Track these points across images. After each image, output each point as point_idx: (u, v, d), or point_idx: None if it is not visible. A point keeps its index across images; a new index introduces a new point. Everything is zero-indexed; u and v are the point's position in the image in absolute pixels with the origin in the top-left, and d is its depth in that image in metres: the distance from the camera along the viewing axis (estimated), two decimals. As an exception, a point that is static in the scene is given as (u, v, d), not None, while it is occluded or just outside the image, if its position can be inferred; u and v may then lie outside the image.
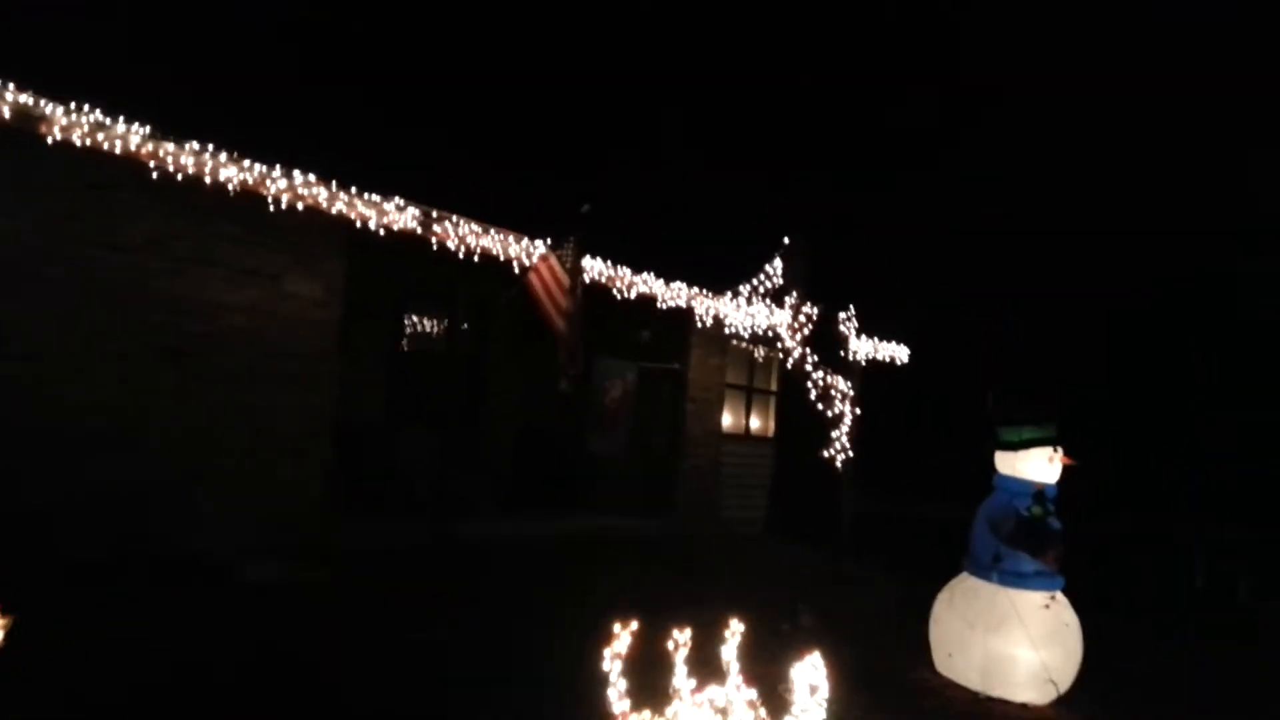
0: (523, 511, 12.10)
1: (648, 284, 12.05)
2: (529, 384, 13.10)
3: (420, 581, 8.37)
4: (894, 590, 10.58)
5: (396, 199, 9.21)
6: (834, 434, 12.60)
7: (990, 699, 7.31)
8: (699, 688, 4.55)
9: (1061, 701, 7.23)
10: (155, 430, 8.06)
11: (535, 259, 10.51)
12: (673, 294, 12.40)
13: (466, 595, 7.97)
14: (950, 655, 7.67)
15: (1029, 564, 7.53)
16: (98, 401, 7.72)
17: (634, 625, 4.20)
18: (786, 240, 13.59)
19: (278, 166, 8.31)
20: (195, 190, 7.96)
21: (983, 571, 7.66)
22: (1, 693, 4.62)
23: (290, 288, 9.09)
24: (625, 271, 11.79)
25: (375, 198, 9.03)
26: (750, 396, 15.11)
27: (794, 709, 4.76)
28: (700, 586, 9.37)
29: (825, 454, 12.61)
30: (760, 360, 14.80)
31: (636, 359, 13.73)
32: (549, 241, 10.49)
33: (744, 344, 14.45)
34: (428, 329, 12.97)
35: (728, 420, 14.63)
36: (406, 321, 12.73)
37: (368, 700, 5.17)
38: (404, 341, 12.71)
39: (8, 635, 4.92)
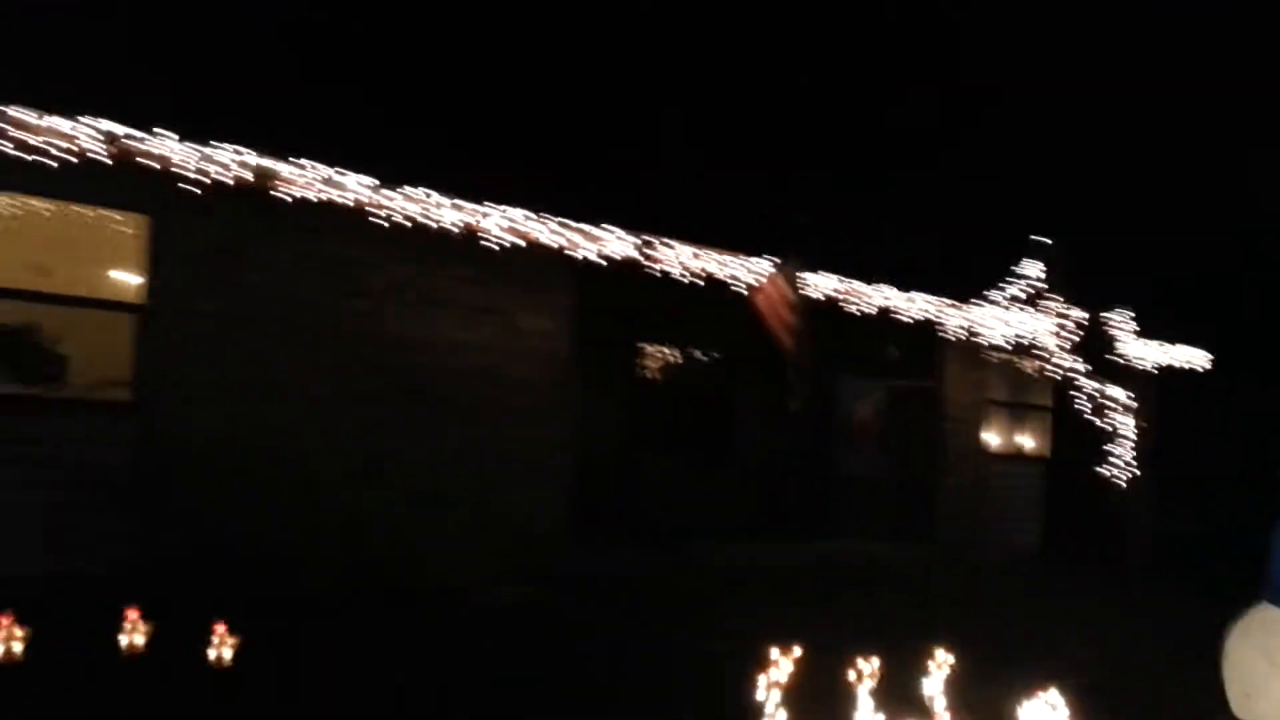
0: (768, 538, 11.71)
1: (884, 296, 11.42)
2: (776, 408, 12.75)
3: (650, 609, 8.22)
4: (1194, 621, 9.23)
5: (615, 229, 9.25)
6: (1112, 448, 11.33)
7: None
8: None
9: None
10: (397, 465, 8.45)
11: (763, 278, 10.24)
12: (914, 306, 11.67)
13: (698, 624, 7.71)
14: (1248, 695, 6.50)
15: (1344, 588, 6.27)
16: (344, 439, 8.20)
17: (796, 652, 3.81)
18: (1045, 240, 12.47)
19: (494, 207, 8.57)
20: (425, 235, 8.34)
21: (1282, 598, 6.46)
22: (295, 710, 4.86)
23: (522, 323, 9.32)
24: (859, 285, 11.23)
25: (589, 227, 9.11)
26: (1021, 413, 13.93)
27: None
28: (944, 617, 8.59)
29: (1104, 470, 11.35)
30: (1035, 375, 13.60)
31: (886, 377, 13.03)
32: (776, 260, 10.20)
33: (1008, 356, 13.35)
34: (668, 356, 12.96)
35: (995, 439, 13.55)
36: (648, 349, 12.77)
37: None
38: (644, 369, 12.74)
39: (239, 656, 5.22)
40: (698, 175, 10.49)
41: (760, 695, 3.77)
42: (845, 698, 4.09)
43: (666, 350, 12.86)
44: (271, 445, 7.84)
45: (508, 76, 9.29)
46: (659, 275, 9.65)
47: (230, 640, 5.36)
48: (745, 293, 10.25)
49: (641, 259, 9.48)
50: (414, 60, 8.72)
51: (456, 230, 8.42)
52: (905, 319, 11.65)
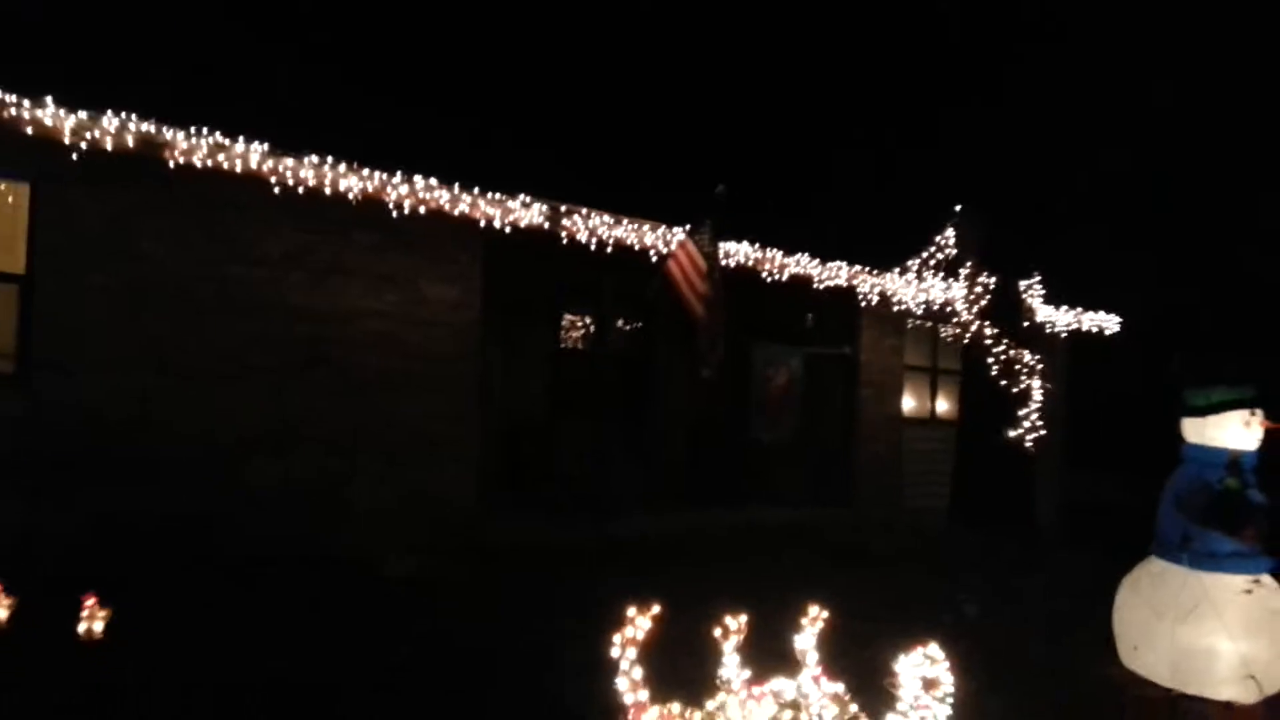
0: (687, 505, 11.81)
1: (802, 265, 11.50)
2: (695, 376, 12.81)
3: (563, 576, 8.24)
4: (1092, 581, 9.49)
5: (522, 196, 9.19)
6: (1021, 412, 11.56)
7: (1184, 697, 6.32)
8: (760, 679, 4.12)
9: (1271, 701, 6.15)
10: (304, 435, 8.38)
11: (673, 246, 10.24)
12: (830, 274, 11.78)
13: (610, 590, 7.74)
14: (1136, 648, 6.70)
15: (1225, 543, 6.47)
16: (249, 410, 8.10)
17: (655, 611, 3.85)
18: (958, 208, 12.64)
19: (398, 173, 8.46)
20: (325, 203, 8.21)
21: (1170, 553, 6.66)
22: (155, 678, 4.79)
23: (428, 292, 9.24)
24: (775, 253, 11.30)
25: (499, 196, 9.04)
26: (936, 378, 14.16)
27: (901, 705, 4.22)
28: (856, 576, 8.74)
29: (1011, 434, 11.58)
30: (948, 340, 13.83)
31: (802, 344, 13.15)
32: (687, 227, 10.20)
33: (923, 323, 13.55)
34: (586, 325, 12.94)
35: (910, 404, 13.77)
36: (565, 319, 12.73)
37: (453, 689, 5.02)
38: (561, 339, 12.71)
39: (115, 628, 5.14)
40: (611, 142, 10.42)
41: (615, 652, 3.79)
42: (713, 651, 4.14)
43: (587, 319, 12.84)
44: (166, 418, 7.71)
45: (410, 31, 9.11)
46: (572, 243, 9.63)
47: (101, 613, 5.28)
48: (660, 261, 10.26)
49: (550, 226, 9.43)
50: (312, 16, 8.51)
51: (356, 197, 8.29)
52: (822, 286, 11.75)
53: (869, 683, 4.37)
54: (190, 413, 7.82)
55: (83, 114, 7.03)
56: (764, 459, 12.84)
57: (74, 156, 7.06)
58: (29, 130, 6.90)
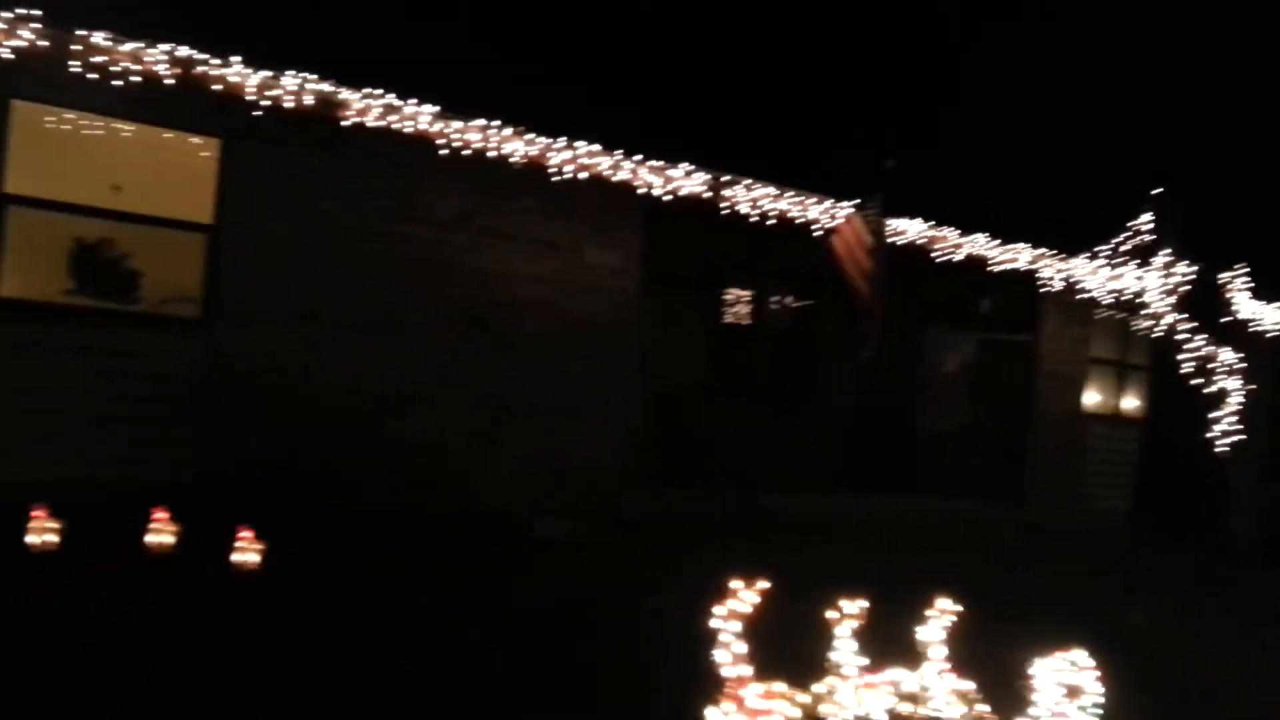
0: (844, 489, 11.49)
1: (978, 245, 10.93)
2: (855, 357, 12.43)
3: (707, 548, 8.16)
4: (1284, 602, 8.64)
5: (684, 164, 9.10)
6: (1216, 414, 10.63)
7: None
8: (877, 667, 3.92)
9: None
10: (458, 393, 8.60)
11: (839, 220, 9.94)
12: (1010, 256, 11.14)
13: (750, 565, 7.62)
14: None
15: None
16: (407, 365, 8.38)
17: (761, 585, 3.71)
18: (1158, 191, 11.68)
19: (561, 139, 8.52)
20: (489, 166, 8.38)
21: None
22: (299, 611, 5.04)
23: (589, 258, 9.30)
24: (950, 232, 10.78)
25: (660, 164, 8.98)
26: (1124, 373, 13.22)
27: (1036, 710, 3.94)
28: (1017, 576, 8.26)
29: (1204, 436, 10.67)
30: (1140, 333, 12.86)
31: (976, 329, 12.52)
32: (855, 202, 9.88)
33: (1113, 313, 12.64)
34: (746, 299, 12.73)
35: (1093, 399, 12.91)
36: (726, 292, 12.56)
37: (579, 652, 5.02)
38: (721, 312, 12.54)
39: (267, 563, 5.42)
40: (778, 112, 10.17)
41: (724, 624, 3.68)
42: (825, 637, 3.97)
43: (747, 292, 12.64)
44: (330, 367, 8.07)
45: (581, 7, 9.14)
46: (735, 215, 9.48)
47: (255, 546, 5.58)
48: (825, 236, 9.98)
49: (711, 196, 9.31)
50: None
51: (519, 162, 8.42)
52: (1000, 269, 11.14)
53: (1006, 684, 4.09)
54: (352, 363, 8.16)
55: (266, 73, 7.40)
56: (929, 447, 12.34)
57: (257, 113, 7.45)
58: (218, 87, 7.31)
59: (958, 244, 10.81)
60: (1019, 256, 11.22)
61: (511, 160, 8.43)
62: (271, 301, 7.87)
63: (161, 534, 5.65)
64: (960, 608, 4.28)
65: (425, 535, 7.24)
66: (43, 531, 5.35)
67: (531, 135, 8.42)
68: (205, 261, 7.73)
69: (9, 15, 6.55)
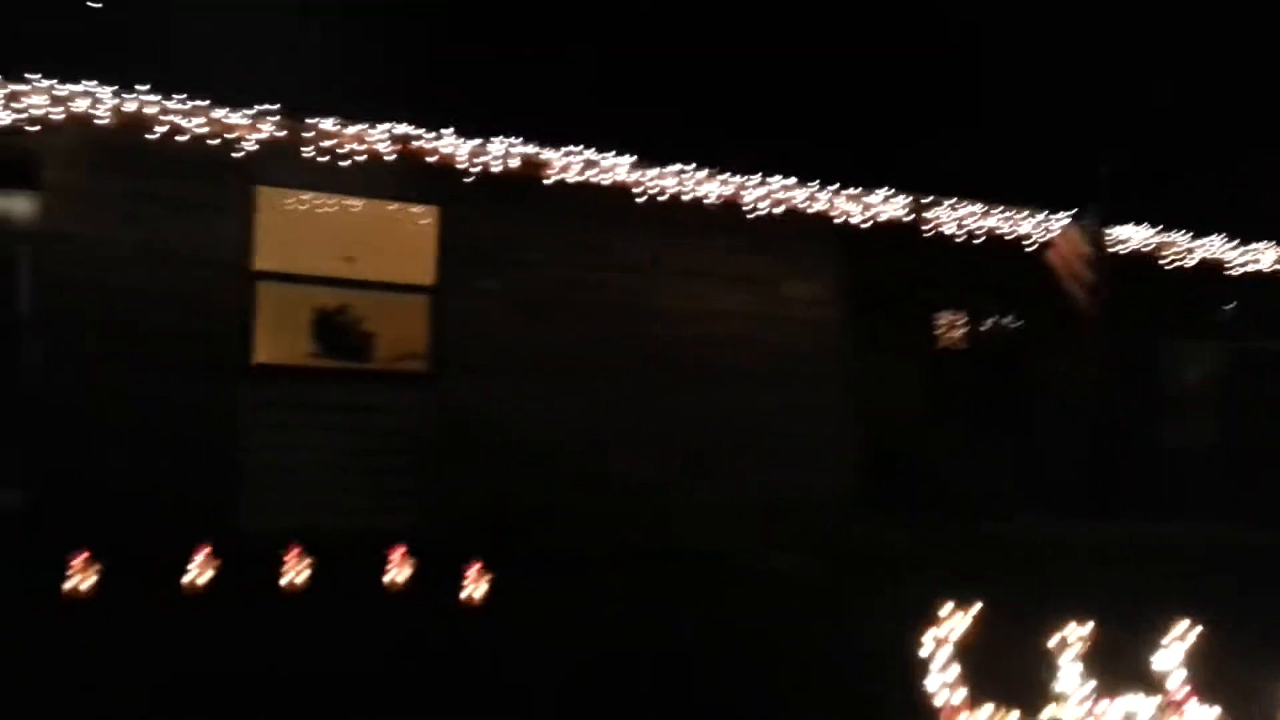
0: (1078, 514, 10.78)
1: (1214, 249, 10.12)
2: (1083, 375, 11.72)
3: (926, 580, 7.89)
4: None
5: (883, 190, 8.98)
6: None
7: None
8: (1109, 695, 3.67)
9: None
10: (660, 432, 8.78)
11: (1055, 233, 9.50)
12: (1252, 258, 10.25)
13: (980, 593, 7.31)
14: None
15: None
16: (611, 406, 8.66)
17: (986, 612, 3.56)
18: None
19: (755, 175, 8.62)
20: (686, 208, 8.61)
21: None
22: (524, 643, 5.31)
23: (786, 290, 9.33)
24: (1181, 236, 10.05)
25: (857, 191, 8.90)
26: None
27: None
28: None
29: None
30: None
31: (1221, 338, 11.54)
32: (1071, 213, 9.42)
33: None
34: (958, 321, 12.26)
35: (1368, 409, 11.56)
36: (935, 315, 12.15)
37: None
38: (931, 335, 12.14)
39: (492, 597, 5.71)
40: (980, 128, 9.86)
41: (939, 650, 3.58)
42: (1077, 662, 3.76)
43: (962, 315, 12.19)
44: (540, 413, 8.45)
45: (761, 44, 9.24)
46: (940, 236, 9.25)
47: (481, 582, 5.89)
48: (1040, 251, 9.56)
49: (913, 218, 9.12)
50: (662, 37, 8.92)
51: (713, 202, 8.58)
52: (1244, 271, 10.28)
53: (1258, 711, 3.76)
54: (560, 408, 8.51)
55: (475, 141, 7.93)
56: (1173, 467, 11.41)
57: (468, 179, 7.98)
58: (433, 159, 7.89)
59: (1189, 248, 10.07)
60: (1261, 257, 10.31)
61: (705, 201, 8.61)
62: (486, 353, 8.34)
63: (398, 572, 6.07)
64: (1202, 630, 3.97)
65: (635, 572, 7.37)
66: (297, 571, 5.88)
67: (725, 175, 8.57)
68: (429, 319, 8.31)
69: (251, 112, 7.35)
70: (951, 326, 12.17)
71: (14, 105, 6.91)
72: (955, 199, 9.28)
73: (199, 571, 5.71)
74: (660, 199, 8.50)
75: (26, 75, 6.85)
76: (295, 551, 5.92)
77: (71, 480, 7.14)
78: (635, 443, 8.66)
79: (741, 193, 8.68)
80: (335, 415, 7.89)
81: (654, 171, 8.42)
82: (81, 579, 5.46)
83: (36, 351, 7.40)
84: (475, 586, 5.92)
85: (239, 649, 4.93)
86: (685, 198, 8.56)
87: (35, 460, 7.35)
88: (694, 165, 8.49)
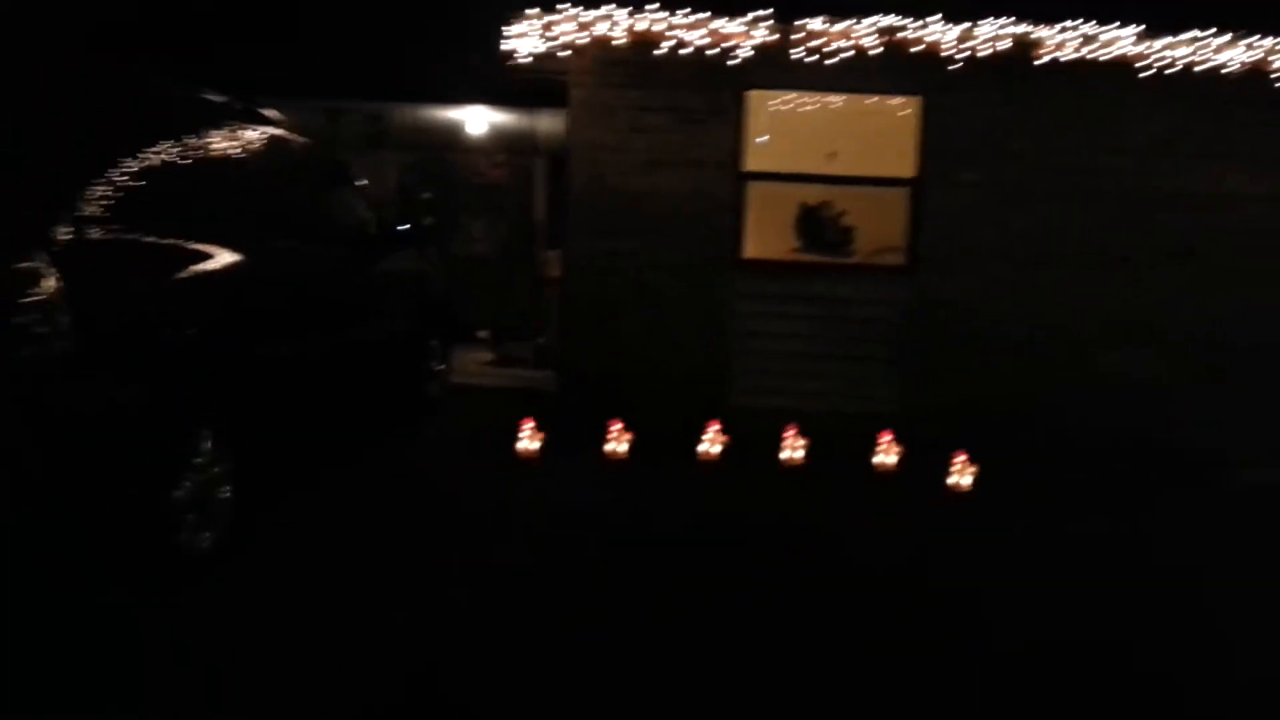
0: None
1: None
2: None
3: None
4: None
5: None
6: None
7: None
8: None
9: None
10: (1165, 329, 8.14)
11: None
12: None
13: None
14: None
15: None
16: (1104, 302, 8.17)
17: None
18: None
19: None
20: (1197, 82, 7.75)
21: None
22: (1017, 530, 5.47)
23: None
24: None
25: None
26: None
27: None
28: None
29: None
30: None
31: None
32: None
33: None
34: None
35: None
36: None
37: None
38: None
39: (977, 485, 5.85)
40: None
41: None
42: None
43: None
44: (1024, 307, 8.21)
45: None
46: None
47: (970, 469, 6.02)
48: None
49: None
50: None
51: (1235, 71, 7.62)
52: None
53: None
54: (1046, 303, 8.19)
55: (963, 25, 7.71)
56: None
57: (954, 67, 7.83)
58: (918, 48, 7.83)
59: None
60: None
61: (1224, 70, 7.66)
62: (968, 246, 8.23)
63: (887, 455, 6.38)
64: None
65: (1125, 475, 7.02)
66: (794, 448, 6.41)
67: (1252, 39, 7.54)
68: (908, 213, 8.35)
69: (746, 19, 7.77)
70: None
71: (548, 34, 7.93)
72: None
73: (711, 442, 6.44)
74: (1169, 71, 7.71)
75: (558, 6, 7.81)
76: (792, 430, 6.43)
77: (592, 364, 8.27)
78: (1136, 340, 8.13)
79: (1271, 58, 7.59)
80: (817, 306, 8.29)
81: (1163, 41, 7.64)
82: (617, 443, 6.40)
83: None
84: (961, 475, 6.06)
85: (744, 508, 5.56)
86: (1199, 69, 7.68)
87: (565, 348, 8.61)
88: (1213, 30, 7.57)
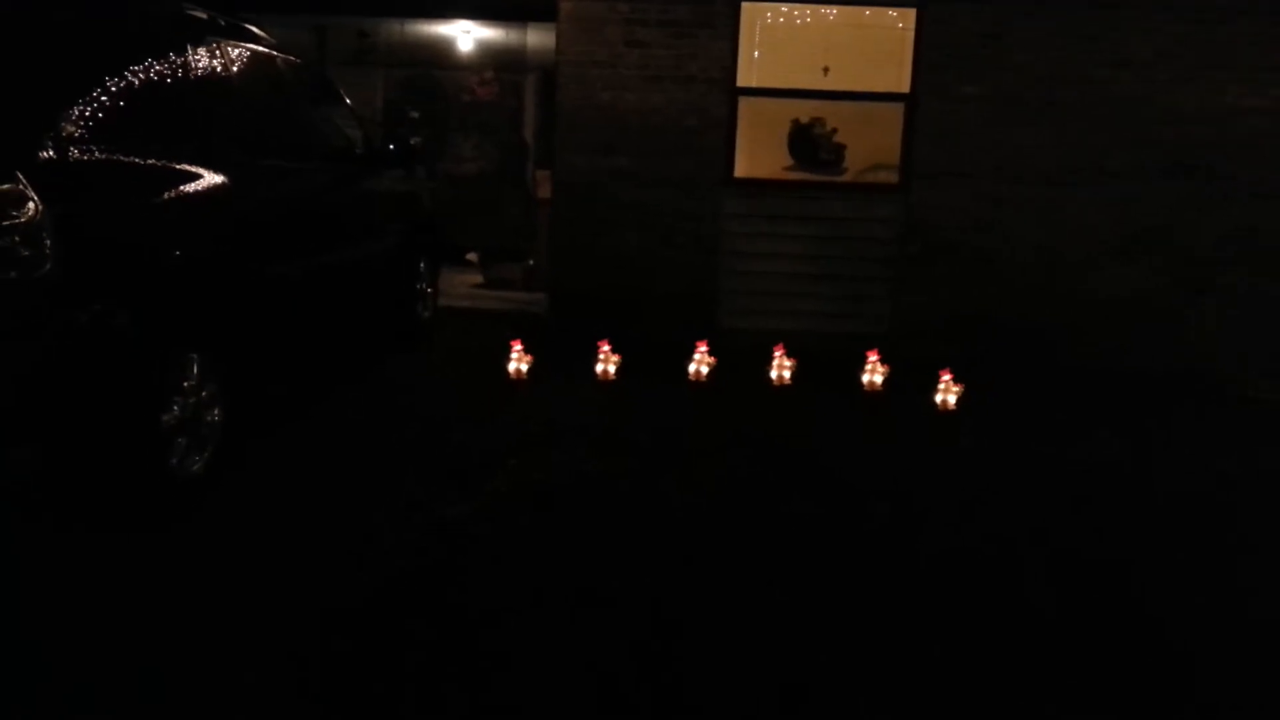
0: None
1: None
2: None
3: None
4: None
5: None
6: None
7: None
8: None
9: None
10: (1160, 246, 8.14)
11: None
12: None
13: None
14: None
15: None
16: (1100, 218, 8.14)
17: None
18: None
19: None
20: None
21: None
22: (1006, 449, 5.53)
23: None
24: None
25: None
26: None
27: None
28: None
29: None
30: None
31: None
32: None
33: None
34: None
35: None
36: None
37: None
38: None
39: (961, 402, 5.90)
40: None
41: None
42: None
43: None
44: (1021, 225, 8.18)
45: None
46: None
47: (955, 388, 6.07)
48: None
49: None
50: None
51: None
52: None
53: None
54: (1043, 221, 8.17)
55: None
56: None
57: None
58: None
59: None
60: None
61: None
62: (963, 163, 8.16)
63: (874, 374, 6.42)
64: None
65: (1119, 393, 7.05)
66: (782, 367, 6.44)
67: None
68: (902, 129, 8.26)
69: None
70: None
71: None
72: None
73: (699, 363, 6.46)
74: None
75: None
76: (780, 350, 6.45)
77: (581, 285, 8.25)
78: (1131, 258, 8.14)
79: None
80: (809, 226, 8.25)
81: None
82: (605, 364, 6.42)
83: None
84: (947, 393, 6.10)
85: (728, 424, 5.61)
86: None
87: (554, 268, 8.58)
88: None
